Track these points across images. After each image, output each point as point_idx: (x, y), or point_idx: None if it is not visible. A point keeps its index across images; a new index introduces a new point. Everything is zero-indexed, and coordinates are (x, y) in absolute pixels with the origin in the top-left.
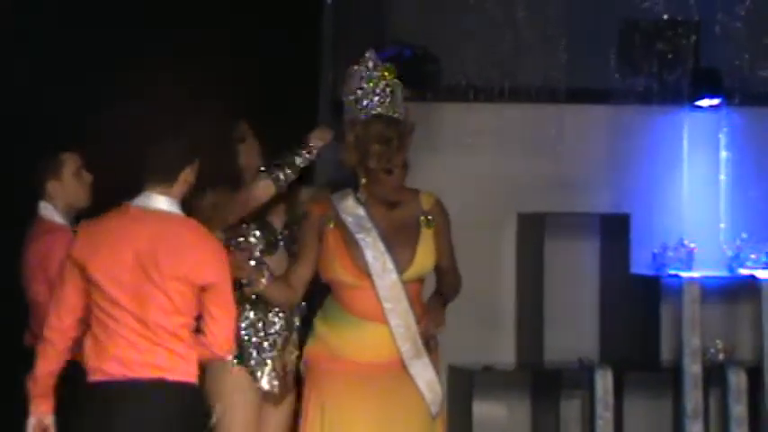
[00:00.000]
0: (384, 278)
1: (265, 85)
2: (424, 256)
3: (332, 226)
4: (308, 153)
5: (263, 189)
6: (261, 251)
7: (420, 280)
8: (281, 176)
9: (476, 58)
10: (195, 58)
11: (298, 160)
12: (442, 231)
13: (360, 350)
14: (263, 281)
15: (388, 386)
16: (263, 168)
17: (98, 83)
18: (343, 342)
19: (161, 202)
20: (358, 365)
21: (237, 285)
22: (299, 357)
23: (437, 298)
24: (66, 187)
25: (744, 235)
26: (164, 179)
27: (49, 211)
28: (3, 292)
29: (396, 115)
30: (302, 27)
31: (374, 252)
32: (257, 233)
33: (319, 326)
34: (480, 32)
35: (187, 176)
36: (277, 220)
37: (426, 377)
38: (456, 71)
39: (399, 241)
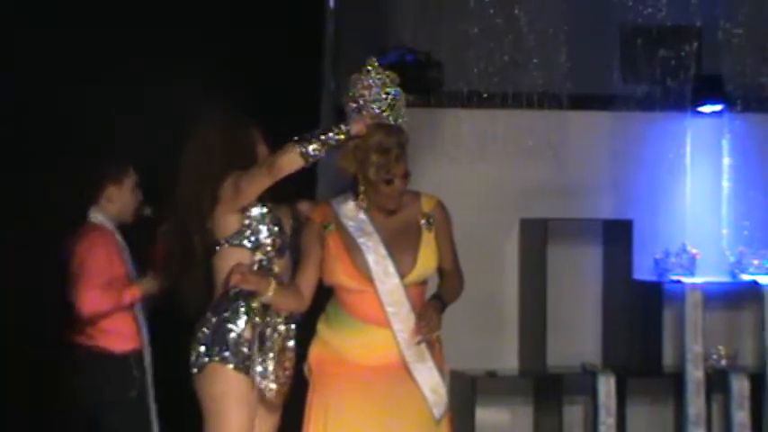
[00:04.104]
0: (386, 282)
1: (267, 91)
2: (426, 259)
3: (333, 231)
4: (340, 134)
5: (290, 159)
6: (271, 256)
7: (423, 283)
8: (310, 149)
9: (478, 64)
10: (196, 63)
11: (327, 137)
12: (444, 233)
13: (363, 354)
14: (271, 291)
15: (391, 389)
16: (295, 138)
17: (92, 87)
18: (347, 346)
19: None
20: (361, 369)
21: (245, 295)
22: (296, 363)
23: (435, 302)
24: (123, 196)
25: (746, 238)
26: None
27: (99, 218)
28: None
29: (397, 122)
30: (304, 32)
31: (376, 256)
32: (274, 228)
33: (323, 329)
34: (483, 38)
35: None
36: (285, 223)
37: (430, 381)
38: (459, 77)
39: (401, 245)
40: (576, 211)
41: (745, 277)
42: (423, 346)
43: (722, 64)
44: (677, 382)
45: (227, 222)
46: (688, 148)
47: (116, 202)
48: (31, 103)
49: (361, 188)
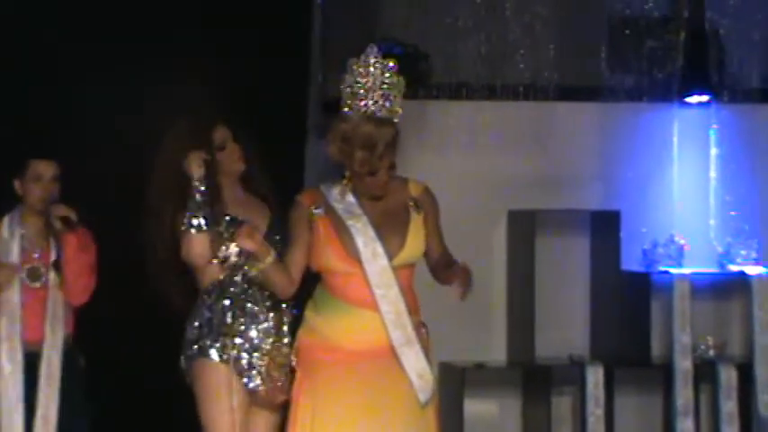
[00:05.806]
0: (374, 264)
1: (254, 85)
2: (415, 242)
3: (323, 215)
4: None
5: (196, 245)
6: (242, 263)
7: (411, 266)
8: (196, 223)
9: (466, 56)
10: (182, 59)
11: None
12: (432, 218)
13: (351, 338)
14: (270, 259)
15: (378, 374)
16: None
17: (84, 84)
18: (336, 330)
19: None
20: (350, 354)
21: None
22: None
23: (452, 268)
24: (25, 189)
25: (733, 228)
26: None
27: (10, 216)
28: None
29: (389, 115)
30: (291, 26)
31: (364, 238)
32: None
33: (311, 316)
34: (470, 30)
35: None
36: (259, 222)
37: (417, 365)
38: (446, 69)
39: (389, 227)
40: (564, 202)
41: (733, 268)
42: (410, 329)
43: (709, 55)
44: (665, 373)
45: None
46: (675, 139)
47: (24, 196)
48: (30, 102)
49: (347, 173)
